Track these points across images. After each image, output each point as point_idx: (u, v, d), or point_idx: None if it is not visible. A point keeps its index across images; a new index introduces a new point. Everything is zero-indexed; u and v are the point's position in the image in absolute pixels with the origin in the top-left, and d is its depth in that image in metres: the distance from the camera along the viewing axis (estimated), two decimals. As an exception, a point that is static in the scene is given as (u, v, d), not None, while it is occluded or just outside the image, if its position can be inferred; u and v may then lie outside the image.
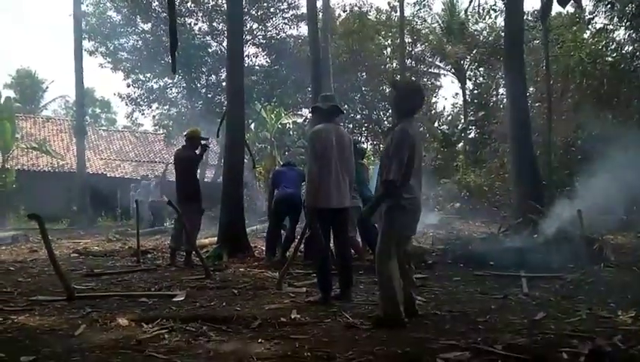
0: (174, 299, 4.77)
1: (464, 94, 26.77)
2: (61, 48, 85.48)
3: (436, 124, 28.16)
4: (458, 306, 4.42)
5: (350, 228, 6.47)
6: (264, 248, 7.93)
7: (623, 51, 16.43)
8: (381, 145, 28.85)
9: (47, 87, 40.37)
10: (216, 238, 8.85)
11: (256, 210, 16.81)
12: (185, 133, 8.11)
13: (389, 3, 24.52)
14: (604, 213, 8.70)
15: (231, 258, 7.68)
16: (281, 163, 9.08)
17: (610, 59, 16.56)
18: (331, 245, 4.97)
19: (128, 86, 23.10)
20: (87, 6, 20.87)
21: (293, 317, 4.03)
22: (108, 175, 24.12)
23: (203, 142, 7.77)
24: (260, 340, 3.36)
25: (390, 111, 25.37)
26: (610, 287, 5.18)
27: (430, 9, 25.92)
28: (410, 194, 3.80)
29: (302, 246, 6.49)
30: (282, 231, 7.83)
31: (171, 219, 10.68)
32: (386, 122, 26.31)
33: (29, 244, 10.74)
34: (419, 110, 4.06)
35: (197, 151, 7.65)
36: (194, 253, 7.00)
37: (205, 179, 22.17)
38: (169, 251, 7.68)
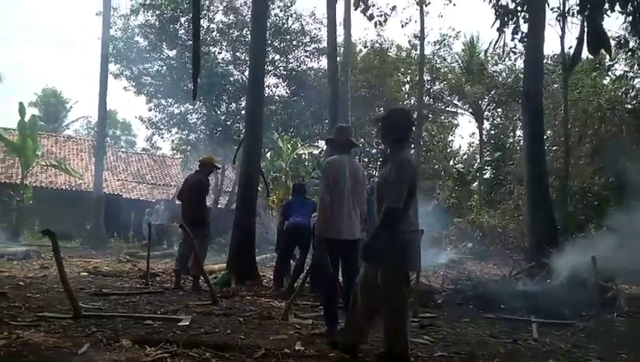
0: (179, 324, 4.74)
1: (481, 134, 26.82)
2: (87, 70, 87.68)
3: (452, 163, 28.14)
4: (466, 348, 4.34)
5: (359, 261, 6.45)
6: (272, 278, 7.90)
7: (643, 99, 16.41)
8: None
9: (71, 107, 41.31)
10: (225, 264, 8.84)
11: (267, 239, 16.80)
12: (200, 159, 8.19)
13: (409, 41, 24.89)
14: (619, 261, 8.54)
15: (239, 285, 7.65)
16: (292, 187, 9.09)
17: (629, 106, 16.52)
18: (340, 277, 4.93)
19: (150, 110, 23.55)
20: (115, 31, 21.46)
21: (297, 348, 3.98)
22: (124, 196, 24.35)
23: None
24: (262, 370, 3.32)
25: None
26: (622, 337, 5.05)
27: (450, 48, 26.24)
28: (412, 226, 3.70)
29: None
30: (292, 262, 7.81)
31: (178, 242, 10.73)
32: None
33: (40, 261, 10.82)
34: (410, 136, 3.95)
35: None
36: (202, 278, 6.99)
37: (219, 206, 22.27)
38: (174, 273, 7.69)
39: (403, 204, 3.59)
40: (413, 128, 3.96)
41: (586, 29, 9.39)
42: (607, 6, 9.46)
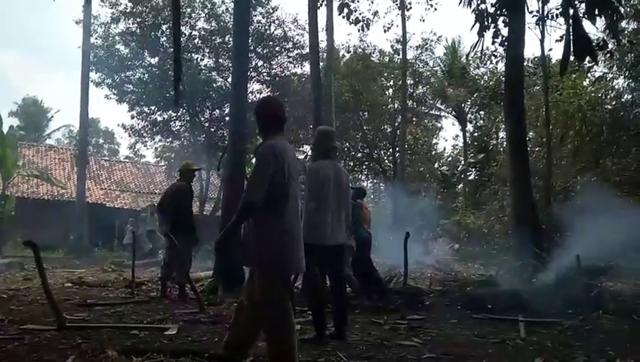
0: (166, 333, 4.70)
1: (464, 136, 27.07)
2: (68, 79, 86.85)
3: (436, 165, 28.35)
4: (454, 349, 4.36)
5: (346, 267, 6.46)
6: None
7: (622, 99, 16.69)
8: (381, 184, 29.02)
9: (52, 116, 40.83)
10: (211, 272, 8.78)
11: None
12: (178, 169, 8.16)
13: (392, 46, 25.04)
14: (603, 259, 8.65)
15: (226, 292, 7.60)
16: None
17: (609, 106, 16.80)
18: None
19: (132, 118, 23.35)
20: (96, 39, 21.29)
21: (286, 354, 3.95)
22: (107, 205, 24.11)
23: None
24: (251, 377, 3.30)
25: (390, 149, 25.62)
26: (609, 335, 5.10)
27: (432, 53, 26.45)
28: (287, 223, 3.26)
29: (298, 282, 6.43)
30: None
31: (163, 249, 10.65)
32: (387, 161, 26.49)
33: (23, 272, 10.65)
34: (279, 124, 3.50)
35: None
36: (188, 286, 6.94)
37: (204, 213, 22.13)
38: (160, 282, 7.63)
39: (274, 196, 3.18)
40: (281, 116, 3.52)
41: (571, 36, 9.52)
42: (585, 10, 9.60)
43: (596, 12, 9.27)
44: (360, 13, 16.70)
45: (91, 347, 3.99)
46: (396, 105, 25.09)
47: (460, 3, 11.43)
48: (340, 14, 14.93)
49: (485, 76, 25.23)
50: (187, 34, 21.15)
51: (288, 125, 22.96)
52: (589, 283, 7.03)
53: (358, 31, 20.00)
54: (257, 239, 3.21)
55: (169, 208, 7.42)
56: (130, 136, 24.16)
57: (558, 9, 10.70)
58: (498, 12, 10.95)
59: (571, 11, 9.84)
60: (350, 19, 15.68)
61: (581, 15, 9.43)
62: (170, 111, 23.00)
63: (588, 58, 10.78)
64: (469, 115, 27.16)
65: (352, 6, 15.44)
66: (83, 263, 14.52)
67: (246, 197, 3.20)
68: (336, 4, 15.17)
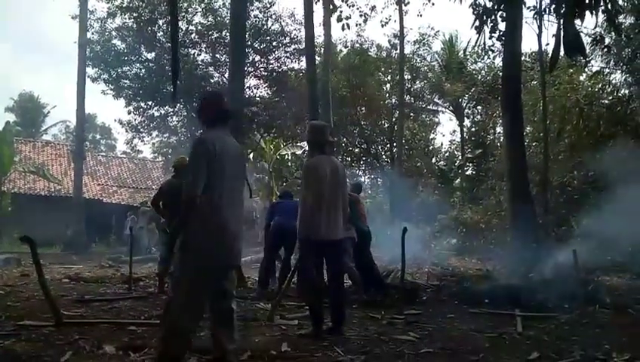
0: (164, 328, 4.69)
1: (462, 131, 27.05)
2: (65, 74, 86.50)
3: (434, 160, 28.36)
4: (451, 344, 4.37)
5: (347, 259, 6.47)
6: (257, 279, 7.86)
7: (619, 94, 16.70)
8: (379, 179, 29.02)
9: (48, 112, 40.69)
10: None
11: (251, 241, 16.74)
12: (173, 164, 8.08)
13: (389, 41, 24.98)
14: (600, 254, 8.68)
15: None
16: (278, 194, 9.10)
17: (606, 101, 16.81)
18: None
19: (129, 113, 23.29)
20: (92, 34, 21.19)
21: (283, 350, 3.97)
22: (104, 200, 24.07)
23: None
24: (248, 372, 3.30)
25: (388, 145, 25.62)
26: (605, 329, 5.12)
27: (430, 47, 26.39)
28: (215, 214, 3.21)
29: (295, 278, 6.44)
30: (277, 263, 7.78)
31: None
32: (384, 156, 26.49)
33: (20, 268, 10.63)
34: (225, 118, 3.51)
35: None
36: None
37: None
38: (157, 278, 7.62)
39: (203, 188, 3.17)
40: (219, 109, 3.50)
41: (562, 33, 9.51)
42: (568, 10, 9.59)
43: (580, 11, 9.23)
44: (358, 8, 16.66)
45: (89, 343, 3.98)
46: (394, 100, 25.06)
47: (457, -2, 11.42)
48: (331, 16, 14.98)
49: (483, 71, 25.20)
50: (184, 29, 21.08)
51: (286, 120, 23.11)
52: (585, 278, 7.06)
53: (356, 25, 19.96)
54: (186, 230, 3.22)
55: (165, 204, 7.40)
56: (127, 131, 24.16)
57: (554, 4, 10.66)
58: (495, 7, 10.93)
59: (562, 10, 9.82)
60: (343, 20, 15.74)
61: (578, 15, 9.40)
62: (167, 107, 22.96)
63: (582, 58, 10.80)
64: (466, 110, 27.14)
65: (344, 13, 15.55)
66: (80, 259, 14.51)
67: (186, 193, 3.21)
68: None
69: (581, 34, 9.73)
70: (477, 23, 11.05)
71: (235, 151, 3.44)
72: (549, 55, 14.83)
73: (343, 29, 15.55)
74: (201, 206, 3.17)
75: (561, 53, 10.09)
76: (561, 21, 9.59)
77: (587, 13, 9.36)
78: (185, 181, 3.32)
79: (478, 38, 11.27)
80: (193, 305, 3.19)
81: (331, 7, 14.78)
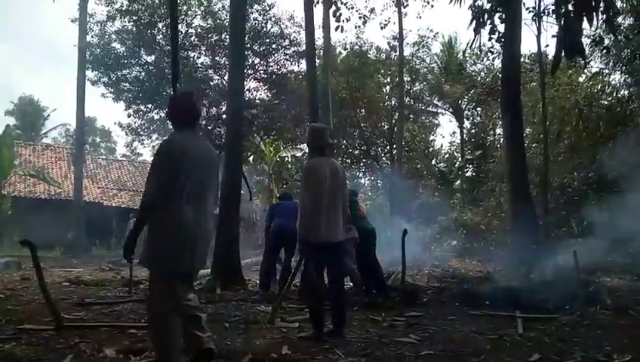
0: (164, 331, 4.69)
1: (462, 133, 27.06)
2: (64, 77, 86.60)
3: (434, 162, 28.36)
4: (452, 346, 4.36)
5: (349, 260, 6.46)
6: (258, 282, 7.86)
7: (619, 95, 16.71)
8: (379, 181, 29.02)
9: (48, 115, 40.79)
10: (209, 270, 8.78)
11: (252, 243, 16.74)
12: None
13: (388, 43, 25.00)
14: (601, 255, 8.68)
15: (224, 290, 7.60)
16: (278, 196, 9.12)
17: (605, 102, 16.82)
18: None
19: (129, 116, 23.28)
20: (92, 37, 21.19)
21: (284, 352, 3.97)
22: (105, 203, 24.07)
23: None
24: (249, 375, 3.30)
25: (388, 146, 25.63)
26: (606, 330, 5.12)
27: (429, 49, 26.42)
28: (180, 221, 3.15)
29: (296, 280, 6.44)
30: (277, 265, 7.79)
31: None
32: (384, 158, 26.50)
33: (21, 271, 10.63)
34: (195, 120, 3.43)
35: None
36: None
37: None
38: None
39: (166, 192, 3.12)
40: (188, 110, 3.41)
41: (563, 36, 9.54)
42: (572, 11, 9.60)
43: (583, 13, 9.25)
44: (357, 10, 16.69)
45: (89, 346, 3.98)
46: (393, 102, 25.06)
47: (455, 1, 11.44)
48: (334, 17, 15.00)
49: (482, 73, 25.23)
50: (183, 32, 21.06)
51: (286, 123, 23.12)
52: (585, 279, 7.06)
53: (356, 27, 20.02)
54: (149, 236, 3.17)
55: None
56: (127, 134, 24.13)
57: (553, 5, 10.68)
58: (494, 8, 10.95)
59: (562, 13, 9.84)
60: (341, 20, 15.77)
61: (578, 19, 9.41)
62: (167, 110, 22.96)
63: (582, 60, 10.82)
64: (466, 112, 27.16)
65: (343, 15, 15.58)
66: (80, 262, 14.51)
67: (143, 197, 3.17)
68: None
69: (552, 40, 9.74)
70: (475, 24, 11.07)
71: (204, 154, 3.37)
72: (549, 56, 14.86)
73: (336, 30, 15.61)
74: (163, 208, 3.12)
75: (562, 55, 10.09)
76: (562, 24, 9.61)
77: (589, 15, 9.38)
78: (145, 185, 3.25)
79: (474, 39, 11.29)
80: (171, 305, 3.17)
81: (333, 8, 14.79)
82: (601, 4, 9.41)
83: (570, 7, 9.56)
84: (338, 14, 15.48)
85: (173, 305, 3.15)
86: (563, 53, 9.87)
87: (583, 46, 10.09)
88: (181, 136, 3.30)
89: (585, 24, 9.37)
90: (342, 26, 16.70)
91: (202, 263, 3.39)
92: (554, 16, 10.85)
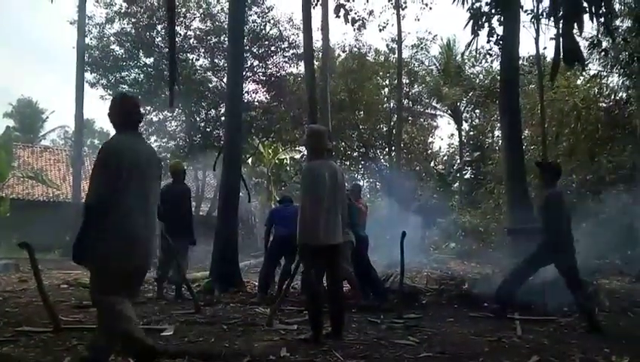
0: (163, 334, 4.69)
1: (460, 135, 27.09)
2: (63, 79, 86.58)
3: (432, 164, 28.40)
4: (451, 348, 4.36)
5: (345, 263, 6.47)
6: (257, 284, 7.86)
7: (617, 97, 16.74)
8: (377, 183, 29.04)
9: (47, 117, 40.75)
10: (208, 272, 8.77)
11: (251, 245, 16.73)
12: (170, 170, 7.98)
13: (387, 45, 25.05)
14: (599, 258, 8.69)
15: (222, 293, 7.59)
16: (277, 198, 9.12)
17: (604, 104, 16.85)
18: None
19: (128, 118, 23.28)
20: (90, 39, 21.19)
21: (282, 355, 3.96)
22: (103, 206, 24.01)
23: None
24: (247, 378, 3.29)
25: (386, 148, 25.65)
26: (605, 332, 5.12)
27: (427, 52, 26.48)
28: (119, 219, 3.16)
29: (295, 282, 6.44)
30: (277, 268, 7.79)
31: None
32: (382, 160, 26.51)
33: (19, 274, 10.60)
34: (135, 122, 3.46)
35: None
36: (184, 286, 6.93)
37: (200, 213, 22.09)
38: (155, 283, 7.61)
39: (108, 192, 3.14)
40: (128, 112, 3.44)
41: (561, 43, 9.56)
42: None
43: (579, 18, 9.27)
44: (355, 13, 16.69)
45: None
46: (392, 105, 25.12)
47: (454, 2, 11.46)
48: (336, 16, 14.92)
49: (480, 75, 25.28)
50: (182, 34, 21.10)
51: (284, 125, 23.14)
52: (584, 281, 7.05)
53: (354, 30, 20.05)
54: (93, 238, 3.16)
55: (166, 209, 7.37)
56: (125, 136, 24.11)
57: (559, 4, 10.68)
58: (493, 11, 10.97)
59: (560, 20, 9.86)
60: (347, 20, 15.64)
61: (575, 24, 9.43)
62: (165, 112, 22.95)
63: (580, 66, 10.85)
64: (464, 114, 27.20)
65: (347, 5, 15.42)
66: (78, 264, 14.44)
67: (87, 199, 3.20)
68: (331, 4, 15.19)
69: (579, 40, 9.77)
70: (473, 26, 11.08)
71: (145, 156, 3.38)
72: (547, 58, 14.88)
73: (346, 23, 15.46)
74: (106, 209, 3.13)
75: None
76: (560, 29, 9.62)
77: (587, 19, 9.41)
78: (88, 188, 3.26)
79: (471, 40, 11.31)
80: (117, 307, 3.17)
81: (342, 11, 14.70)
82: (594, 9, 9.43)
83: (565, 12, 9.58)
84: (344, 13, 15.38)
85: (113, 301, 3.16)
86: (561, 59, 9.88)
87: (582, 52, 10.11)
88: (122, 138, 3.35)
89: (583, 26, 9.38)
90: (360, 24, 16.52)
91: (145, 263, 3.37)
92: (552, 21, 10.84)
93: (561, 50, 9.41)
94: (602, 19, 10.07)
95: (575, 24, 9.14)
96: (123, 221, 3.17)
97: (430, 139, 29.72)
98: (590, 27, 16.35)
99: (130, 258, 3.21)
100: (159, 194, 3.58)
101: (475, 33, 11.15)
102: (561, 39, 9.38)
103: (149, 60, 22.07)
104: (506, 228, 6.04)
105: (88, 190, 3.21)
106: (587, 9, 9.27)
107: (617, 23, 13.66)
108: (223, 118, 19.29)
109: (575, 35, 9.31)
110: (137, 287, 3.45)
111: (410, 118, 26.52)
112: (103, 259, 3.16)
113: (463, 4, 11.21)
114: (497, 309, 6.00)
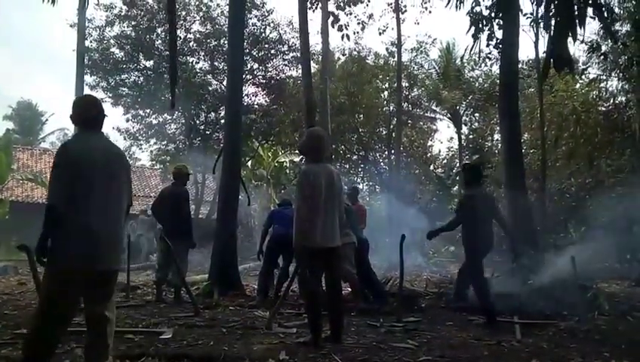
0: (161, 337, 4.68)
1: (459, 139, 27.09)
2: (63, 82, 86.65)
3: (432, 167, 28.41)
4: (450, 351, 4.36)
5: (348, 265, 6.48)
6: (256, 287, 7.86)
7: (616, 101, 16.77)
8: (377, 187, 29.04)
9: (46, 120, 40.69)
10: (207, 275, 8.76)
11: (250, 248, 16.72)
12: (175, 171, 7.98)
13: (387, 48, 25.08)
14: (599, 261, 8.69)
15: (221, 296, 7.58)
16: (277, 201, 9.10)
17: (603, 108, 16.87)
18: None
19: (127, 121, 23.31)
20: (91, 42, 21.20)
21: (281, 358, 3.96)
22: (102, 208, 24.00)
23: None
24: (246, 381, 3.28)
25: (386, 152, 25.65)
26: (604, 336, 5.12)
27: (427, 55, 26.50)
28: (77, 219, 3.15)
29: (294, 285, 6.43)
30: (275, 271, 7.78)
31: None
32: (382, 163, 26.51)
33: (18, 276, 10.59)
34: (94, 122, 3.44)
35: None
36: (183, 289, 6.92)
37: (200, 216, 22.07)
38: (155, 286, 7.61)
39: (66, 193, 3.15)
40: (86, 112, 3.45)
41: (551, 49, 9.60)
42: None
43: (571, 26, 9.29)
44: (355, 16, 16.77)
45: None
46: (391, 108, 25.11)
47: (448, 5, 11.49)
48: (332, 27, 15.07)
49: (480, 78, 25.30)
50: (182, 37, 21.12)
51: (284, 128, 23.15)
52: (583, 285, 7.05)
53: (354, 34, 20.08)
54: (52, 239, 3.18)
55: (166, 211, 7.38)
56: (125, 139, 24.11)
57: (551, 11, 10.71)
58: (492, 14, 10.99)
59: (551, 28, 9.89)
60: (342, 33, 15.84)
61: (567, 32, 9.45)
62: (165, 115, 22.97)
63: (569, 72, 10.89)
64: (464, 117, 27.20)
65: (342, 20, 15.61)
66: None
67: (47, 200, 3.22)
68: (331, 9, 15.24)
69: (578, 44, 9.81)
70: (473, 31, 11.11)
71: (105, 154, 3.36)
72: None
73: (342, 38, 15.66)
74: (63, 212, 3.13)
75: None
76: (551, 35, 9.65)
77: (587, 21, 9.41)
78: (48, 189, 3.27)
79: (473, 45, 11.33)
80: (51, 311, 3.15)
81: (332, 18, 14.85)
82: (601, 12, 9.45)
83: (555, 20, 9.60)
84: (338, 25, 15.51)
85: (62, 308, 3.16)
86: (552, 64, 9.92)
87: (571, 57, 10.14)
88: (78, 138, 3.40)
89: (581, 30, 9.39)
90: (347, 35, 16.76)
91: (107, 265, 3.30)
92: (544, 24, 10.85)
93: (552, 55, 9.45)
94: (602, 23, 10.09)
95: (570, 32, 9.16)
96: (78, 222, 3.15)
97: (430, 143, 29.74)
98: (589, 31, 16.37)
99: (86, 258, 3.16)
100: (128, 195, 3.53)
101: (475, 37, 11.17)
102: (553, 45, 9.41)
103: (149, 63, 22.09)
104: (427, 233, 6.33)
105: (48, 192, 3.24)
106: (585, 13, 9.28)
107: (617, 26, 13.68)
108: (222, 121, 19.32)
109: (569, 43, 9.35)
110: (102, 290, 3.34)
111: (409, 121, 26.52)
112: (60, 261, 3.14)
113: (460, 7, 11.23)
114: (465, 308, 6.25)
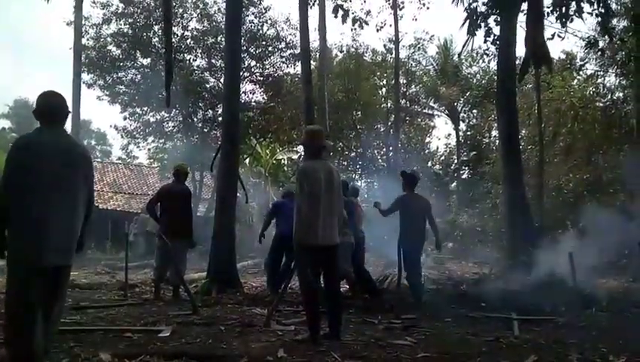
0: (160, 335, 4.67)
1: (457, 135, 27.13)
2: (60, 80, 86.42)
3: (429, 164, 28.43)
4: (448, 348, 4.36)
5: (345, 263, 6.48)
6: (254, 285, 7.88)
7: (614, 97, 16.79)
8: (375, 183, 29.04)
9: (43, 118, 40.60)
10: (205, 273, 8.75)
11: (248, 246, 16.71)
12: (176, 168, 7.94)
13: (384, 45, 25.07)
14: (596, 257, 8.70)
15: (220, 294, 7.58)
16: (282, 194, 9.10)
17: (600, 104, 16.90)
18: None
19: (125, 119, 23.25)
20: (87, 40, 21.14)
21: (280, 356, 3.95)
22: (100, 207, 23.95)
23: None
24: (245, 379, 3.28)
25: (384, 148, 25.64)
26: (602, 332, 5.12)
27: (425, 52, 26.51)
28: (29, 214, 3.18)
29: (293, 283, 6.43)
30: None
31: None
32: (380, 160, 26.51)
33: None
34: (51, 117, 3.45)
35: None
36: (182, 287, 6.91)
37: (198, 213, 22.04)
38: (153, 284, 7.59)
39: (18, 189, 3.19)
40: (42, 107, 3.45)
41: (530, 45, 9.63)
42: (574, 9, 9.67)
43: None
44: (352, 12, 16.69)
45: (84, 350, 3.95)
46: (389, 105, 25.15)
47: (452, 1, 11.48)
48: (335, 16, 14.92)
49: (478, 75, 25.34)
50: (179, 34, 21.06)
51: (282, 125, 23.13)
52: (581, 281, 7.07)
53: (353, 30, 20.06)
54: (7, 232, 3.21)
55: (177, 210, 7.34)
56: (122, 137, 24.06)
57: (548, 7, 10.72)
58: (490, 11, 10.98)
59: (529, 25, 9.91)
60: (345, 20, 15.63)
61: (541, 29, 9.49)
62: (163, 112, 22.91)
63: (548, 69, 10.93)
64: (461, 114, 27.24)
65: (345, 5, 15.39)
66: (75, 265, 14.40)
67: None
68: (328, 4, 15.17)
69: (577, 39, 9.82)
70: (470, 26, 11.10)
71: (60, 149, 3.36)
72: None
73: (343, 22, 15.46)
74: (14, 203, 3.17)
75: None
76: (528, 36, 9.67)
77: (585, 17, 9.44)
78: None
79: (468, 41, 11.36)
80: (18, 305, 3.17)
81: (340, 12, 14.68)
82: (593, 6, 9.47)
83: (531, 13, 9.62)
84: (342, 14, 15.35)
85: (25, 304, 3.16)
86: (530, 62, 9.96)
87: (549, 53, 10.18)
88: (32, 134, 3.39)
89: (579, 26, 9.42)
90: (360, 24, 16.60)
91: (60, 258, 3.32)
92: (548, 18, 10.86)
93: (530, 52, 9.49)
94: (600, 18, 10.10)
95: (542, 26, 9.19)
96: (23, 215, 3.18)
97: (427, 139, 29.78)
98: (587, 27, 16.37)
99: (37, 253, 3.18)
100: (86, 191, 3.52)
101: (471, 33, 11.17)
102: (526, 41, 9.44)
103: (146, 61, 22.02)
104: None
105: None
106: (582, 7, 9.30)
107: (614, 22, 13.69)
108: (220, 119, 19.29)
109: (547, 39, 9.39)
110: (57, 289, 3.35)
111: (407, 117, 26.54)
112: (12, 255, 3.19)
113: (458, 4, 11.23)
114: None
